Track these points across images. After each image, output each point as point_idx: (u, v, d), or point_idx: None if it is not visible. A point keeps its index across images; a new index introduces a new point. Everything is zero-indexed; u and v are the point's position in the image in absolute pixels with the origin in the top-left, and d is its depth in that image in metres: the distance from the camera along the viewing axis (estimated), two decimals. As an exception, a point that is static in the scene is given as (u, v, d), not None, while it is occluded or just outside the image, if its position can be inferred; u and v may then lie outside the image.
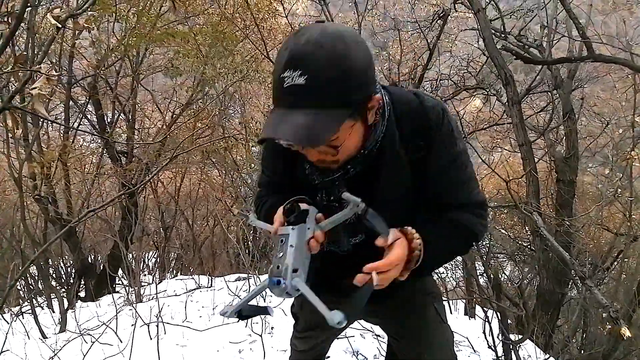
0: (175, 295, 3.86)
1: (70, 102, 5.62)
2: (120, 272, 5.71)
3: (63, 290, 5.55)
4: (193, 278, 4.58)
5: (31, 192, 4.61)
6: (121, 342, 2.59)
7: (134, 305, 3.24)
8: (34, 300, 4.32)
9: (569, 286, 5.76)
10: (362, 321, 2.64)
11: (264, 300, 3.10)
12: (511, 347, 2.44)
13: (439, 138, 0.94)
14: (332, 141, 0.84)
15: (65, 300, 3.84)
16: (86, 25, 1.82)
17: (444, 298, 1.88)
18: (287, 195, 0.95)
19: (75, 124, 5.88)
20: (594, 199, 8.22)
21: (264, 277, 0.87)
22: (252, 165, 7.43)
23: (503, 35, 5.92)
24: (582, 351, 5.10)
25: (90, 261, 6.31)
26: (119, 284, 5.95)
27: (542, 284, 5.29)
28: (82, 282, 5.63)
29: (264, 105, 7.66)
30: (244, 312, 0.82)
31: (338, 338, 2.39)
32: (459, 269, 6.60)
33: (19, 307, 4.27)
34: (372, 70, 0.84)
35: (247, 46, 6.40)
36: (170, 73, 6.69)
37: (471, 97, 7.61)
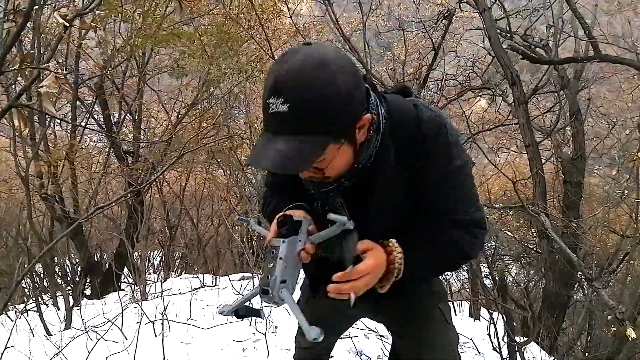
0: (180, 293, 3.88)
1: (77, 102, 5.67)
2: (125, 270, 5.75)
3: (69, 288, 5.59)
4: (198, 277, 4.60)
5: (38, 190, 4.65)
6: (126, 339, 2.61)
7: (139, 303, 3.26)
8: (39, 297, 4.35)
9: (575, 289, 5.72)
10: (365, 321, 2.65)
11: (261, 303, 3.10)
12: (516, 349, 2.42)
13: (434, 153, 0.92)
14: (318, 163, 0.85)
15: (70, 298, 3.86)
16: (93, 24, 1.83)
17: (449, 299, 1.88)
18: (291, 199, 0.99)
19: (82, 124, 5.93)
20: (600, 200, 8.16)
21: None
22: (257, 165, 7.42)
23: (509, 35, 5.89)
24: (587, 354, 5.06)
25: (96, 259, 6.36)
26: (124, 282, 5.99)
27: (548, 286, 5.26)
28: (88, 280, 5.67)
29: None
30: (240, 311, 0.88)
31: (342, 338, 2.39)
32: (464, 271, 6.57)
33: (23, 304, 4.31)
34: (360, 91, 0.84)
35: (252, 46, 6.42)
36: (175, 73, 6.72)
37: (477, 97, 7.58)
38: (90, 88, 6.06)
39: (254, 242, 6.49)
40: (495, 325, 2.51)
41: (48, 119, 4.95)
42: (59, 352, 2.35)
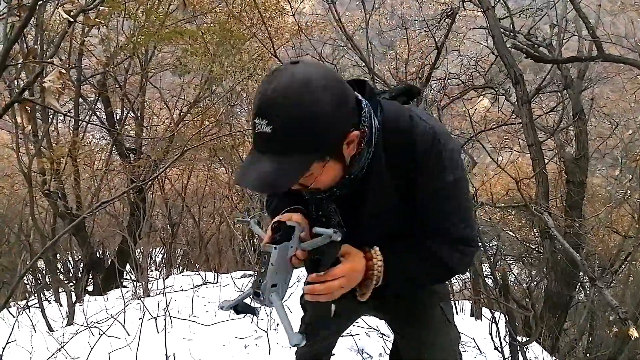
0: (182, 290, 3.88)
1: (80, 100, 5.68)
2: (128, 267, 5.76)
3: (71, 284, 5.61)
4: (199, 274, 4.61)
5: (40, 187, 4.66)
6: (128, 335, 2.61)
7: (142, 299, 3.27)
8: (41, 294, 4.36)
9: (577, 289, 5.71)
10: (367, 319, 2.64)
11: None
12: (518, 348, 2.42)
13: (426, 166, 0.91)
14: (304, 180, 0.86)
15: (73, 294, 3.87)
16: (97, 20, 1.83)
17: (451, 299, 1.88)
18: (291, 199, 1.04)
19: (85, 120, 5.94)
20: (603, 200, 8.14)
21: None
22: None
23: (512, 34, 5.86)
24: (588, 354, 5.06)
25: (98, 256, 6.38)
26: (126, 278, 5.99)
27: (550, 286, 5.24)
28: (90, 277, 5.68)
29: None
30: (239, 307, 0.93)
31: (343, 336, 2.39)
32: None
33: (25, 300, 4.31)
34: (347, 108, 0.84)
35: (255, 44, 6.43)
36: (178, 71, 6.73)
37: (479, 96, 7.56)
38: (93, 85, 6.07)
39: (255, 240, 6.50)
40: (497, 324, 2.51)
41: (51, 116, 4.96)
42: (61, 347, 2.36)
